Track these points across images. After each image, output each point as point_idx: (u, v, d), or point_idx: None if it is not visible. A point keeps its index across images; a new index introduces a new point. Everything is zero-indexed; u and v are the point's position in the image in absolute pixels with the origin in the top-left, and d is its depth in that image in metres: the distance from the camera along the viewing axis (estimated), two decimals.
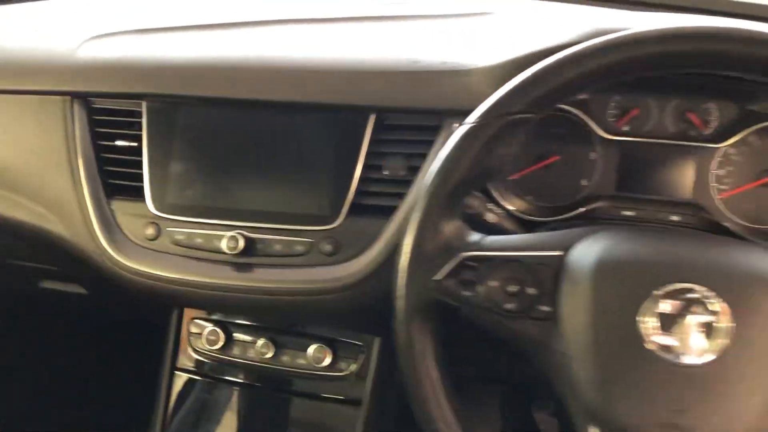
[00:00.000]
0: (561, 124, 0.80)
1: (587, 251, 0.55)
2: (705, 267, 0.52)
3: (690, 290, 0.51)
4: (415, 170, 0.79)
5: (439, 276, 0.56)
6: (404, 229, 0.76)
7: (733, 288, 0.50)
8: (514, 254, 0.56)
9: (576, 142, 0.80)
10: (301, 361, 0.88)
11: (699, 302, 0.51)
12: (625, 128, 0.81)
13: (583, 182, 0.81)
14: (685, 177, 0.78)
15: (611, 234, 0.57)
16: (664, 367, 0.50)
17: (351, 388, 0.87)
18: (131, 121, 0.87)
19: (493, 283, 0.56)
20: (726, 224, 0.75)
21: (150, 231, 0.85)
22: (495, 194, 0.79)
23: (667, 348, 0.50)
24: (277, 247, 0.81)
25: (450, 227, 0.57)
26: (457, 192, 0.58)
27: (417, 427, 1.04)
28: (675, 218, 0.79)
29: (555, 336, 0.54)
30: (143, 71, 0.88)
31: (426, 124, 0.79)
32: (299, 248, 0.81)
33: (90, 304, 1.18)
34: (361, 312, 0.83)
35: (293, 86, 0.81)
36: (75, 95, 0.89)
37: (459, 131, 0.58)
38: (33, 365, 1.41)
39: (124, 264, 0.85)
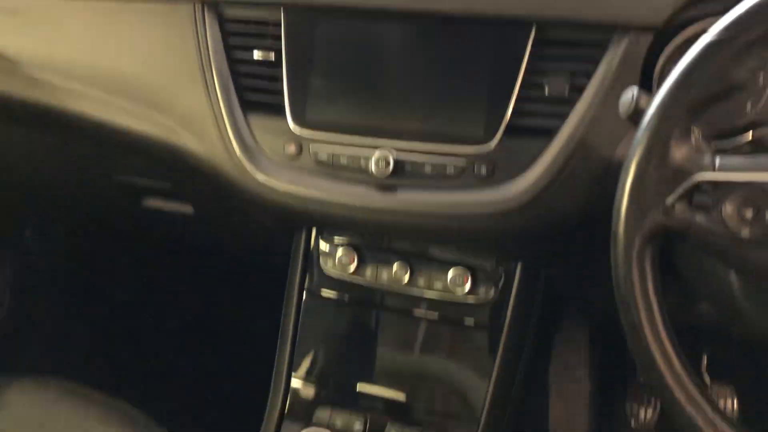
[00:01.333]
0: None
1: None
2: None
3: None
4: (579, 90, 0.75)
5: (670, 199, 0.53)
6: (568, 152, 0.74)
7: None
8: (754, 177, 0.52)
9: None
10: (439, 286, 0.86)
11: None
12: None
13: (748, 107, 0.76)
14: None
15: None
16: None
17: (491, 315, 0.85)
18: (267, 32, 0.83)
19: (729, 207, 0.52)
20: None
21: (291, 149, 0.82)
22: None
23: None
24: (428, 169, 0.78)
25: (683, 148, 0.54)
26: (695, 109, 0.54)
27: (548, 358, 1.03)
28: None
29: None
30: None
31: (592, 39, 0.74)
32: (451, 170, 0.77)
33: (195, 225, 1.16)
34: (513, 237, 0.80)
35: None
36: (205, 2, 0.85)
37: (704, 41, 0.53)
38: (139, 289, 1.42)
39: (265, 183, 0.82)
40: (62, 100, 0.92)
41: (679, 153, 0.53)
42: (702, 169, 0.53)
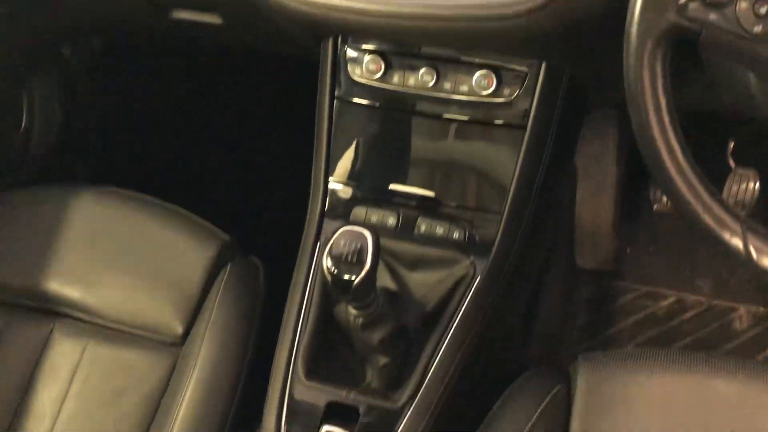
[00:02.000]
0: None
1: None
2: None
3: None
4: None
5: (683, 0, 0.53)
6: None
7: None
8: None
9: None
10: (464, 88, 0.89)
11: None
12: None
13: None
14: None
15: None
16: None
17: (515, 114, 0.89)
18: None
19: (744, 4, 0.52)
20: None
21: None
22: None
23: None
24: None
25: None
26: None
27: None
28: None
29: None
30: None
31: None
32: None
33: (224, 35, 1.17)
34: (536, 37, 0.80)
35: None
36: None
37: None
38: (178, 111, 1.48)
39: None
40: None
41: None
42: None
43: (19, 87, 1.39)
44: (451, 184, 0.93)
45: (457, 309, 0.88)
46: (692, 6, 0.54)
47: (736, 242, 0.57)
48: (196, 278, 0.96)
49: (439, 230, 0.93)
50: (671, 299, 1.43)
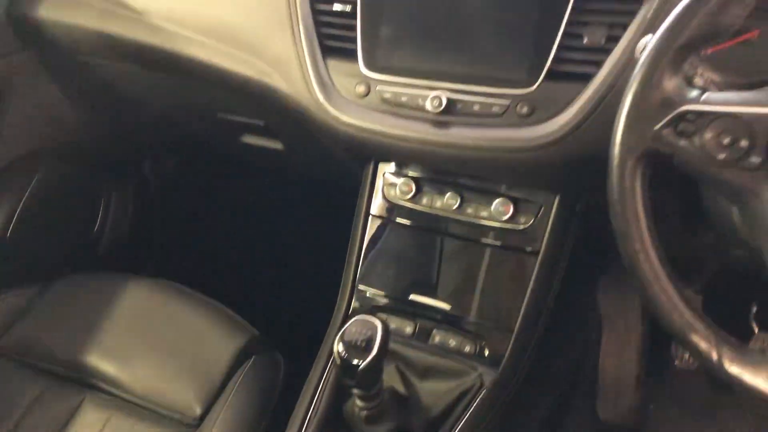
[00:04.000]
0: None
1: None
2: None
3: None
4: (615, 40, 0.84)
5: (658, 126, 0.63)
6: (601, 95, 0.83)
7: None
8: (732, 109, 0.61)
9: None
10: (484, 214, 0.98)
11: None
12: None
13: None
14: None
15: None
16: None
17: (529, 240, 0.97)
18: None
19: (709, 135, 0.61)
20: None
21: (361, 89, 0.95)
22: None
23: None
24: (476, 108, 0.89)
25: (673, 81, 0.63)
26: (684, 48, 0.63)
27: (581, 276, 1.13)
28: None
29: (764, 185, 0.60)
30: None
31: None
32: (496, 109, 0.89)
33: (285, 159, 1.33)
34: (550, 170, 0.90)
35: None
36: None
37: None
38: (235, 219, 1.63)
39: (338, 117, 0.96)
40: (177, 44, 1.10)
41: (668, 86, 0.63)
42: (688, 101, 0.63)
43: (99, 195, 1.58)
44: (468, 300, 1.00)
45: (460, 418, 0.91)
46: (665, 132, 0.63)
47: (708, 349, 0.62)
48: (220, 366, 1.03)
49: (452, 342, 0.98)
50: None
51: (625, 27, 0.83)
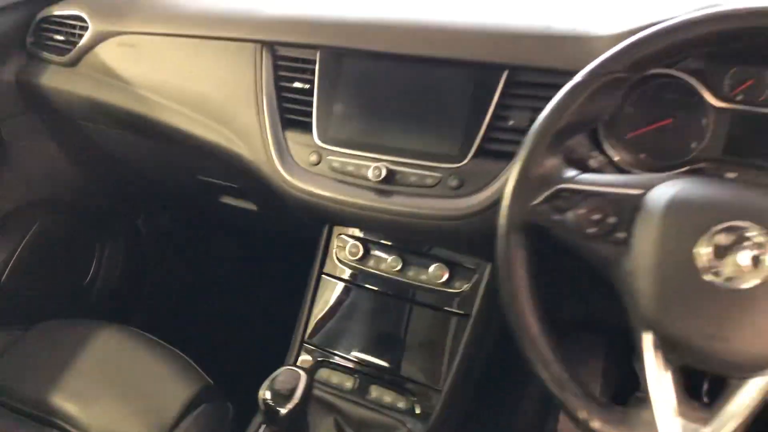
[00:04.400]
0: (677, 90, 0.89)
1: (664, 191, 0.66)
2: (759, 209, 0.62)
3: (744, 228, 0.61)
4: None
5: (536, 201, 0.70)
6: None
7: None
8: (602, 189, 0.69)
9: (689, 107, 0.88)
10: (423, 277, 1.06)
11: (749, 238, 0.61)
12: (739, 97, 0.88)
13: (693, 144, 0.89)
14: None
15: (689, 180, 0.67)
16: (712, 289, 0.61)
17: (462, 304, 1.03)
18: (306, 68, 1.07)
19: (581, 211, 0.69)
20: None
21: (313, 158, 1.05)
22: (607, 146, 0.90)
23: (716, 273, 0.61)
24: (413, 179, 0.98)
25: (551, 162, 0.71)
26: (560, 134, 0.71)
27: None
28: None
29: (626, 257, 0.66)
30: (321, 26, 1.07)
31: (553, 83, 0.91)
32: (430, 181, 0.97)
33: (258, 219, 1.42)
34: (478, 238, 0.98)
35: (439, 43, 0.96)
36: (264, 43, 1.10)
37: (568, 85, 0.71)
38: (213, 273, 1.73)
39: (292, 183, 1.05)
40: (160, 113, 1.21)
41: (546, 166, 0.71)
42: (564, 180, 0.70)
43: (94, 246, 1.68)
44: (405, 358, 1.06)
45: None
46: (542, 208, 0.70)
47: (576, 407, 0.67)
48: (171, 411, 1.09)
49: (387, 398, 1.04)
50: None
51: None
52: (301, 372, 0.87)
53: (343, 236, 1.13)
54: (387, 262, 1.08)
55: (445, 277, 1.03)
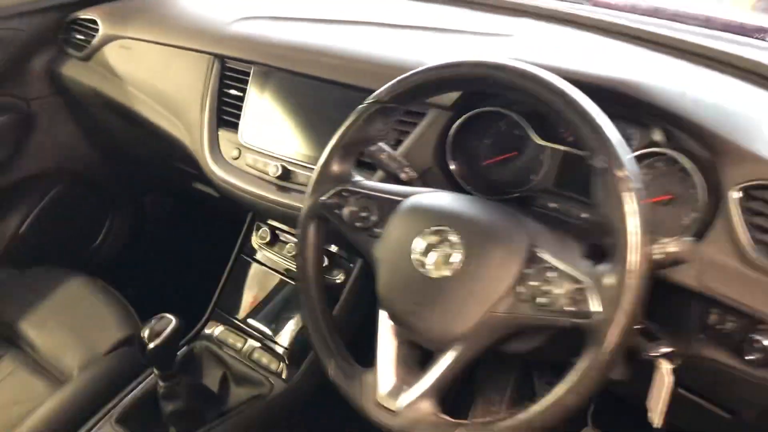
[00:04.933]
0: (520, 127, 1.04)
1: (412, 199, 0.83)
2: (459, 217, 0.77)
3: (447, 231, 0.77)
4: (399, 143, 1.09)
5: (324, 197, 0.88)
6: None
7: (471, 233, 0.76)
8: (372, 193, 0.86)
9: (531, 144, 1.03)
10: None
11: (450, 239, 0.77)
12: (570, 138, 1.02)
13: (532, 176, 1.04)
14: None
15: (432, 192, 0.84)
16: (419, 277, 0.77)
17: (335, 289, 1.21)
18: (242, 78, 1.28)
19: (353, 208, 0.86)
20: None
21: (235, 153, 1.26)
22: (456, 170, 1.05)
23: (422, 264, 0.77)
24: (302, 178, 1.17)
25: (341, 168, 0.89)
26: (347, 147, 0.89)
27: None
28: (584, 215, 0.99)
29: (377, 247, 0.83)
30: (257, 45, 1.28)
31: (414, 111, 1.08)
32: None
33: (221, 204, 1.65)
34: None
35: (327, 67, 1.15)
36: (216, 56, 1.33)
37: (355, 110, 0.89)
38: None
39: (216, 173, 1.27)
40: (140, 106, 1.47)
41: (336, 170, 0.89)
42: (348, 183, 0.88)
43: (104, 217, 1.97)
44: (285, 330, 1.26)
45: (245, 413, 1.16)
46: (328, 202, 0.87)
47: (326, 360, 0.84)
48: (102, 348, 1.31)
49: (264, 360, 1.24)
50: None
51: (408, 133, 1.09)
52: (172, 317, 1.08)
53: (259, 223, 1.34)
54: (286, 248, 1.28)
55: (326, 262, 1.22)
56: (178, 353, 1.26)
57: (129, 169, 1.91)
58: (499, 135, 1.05)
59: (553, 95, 0.73)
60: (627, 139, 0.96)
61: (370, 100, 0.88)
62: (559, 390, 0.68)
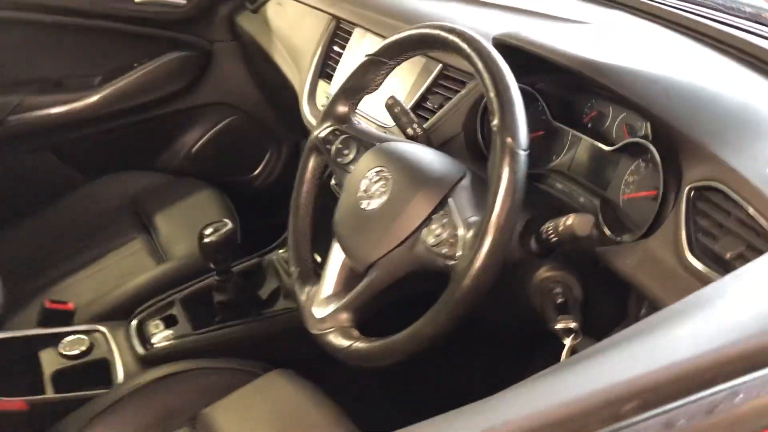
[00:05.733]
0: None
1: (380, 145, 0.94)
2: (399, 161, 0.87)
3: (384, 169, 0.87)
4: (442, 106, 1.18)
5: (320, 132, 1.03)
6: None
7: (402, 177, 0.85)
8: (355, 135, 0.98)
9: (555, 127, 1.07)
10: None
11: (385, 179, 0.87)
12: (590, 125, 1.04)
13: (554, 156, 1.08)
14: (606, 172, 0.99)
15: (401, 142, 0.94)
16: (358, 209, 0.89)
17: None
18: (345, 37, 1.45)
19: (339, 146, 0.99)
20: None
21: (324, 101, 1.44)
22: (483, 140, 1.12)
23: (361, 198, 0.89)
24: None
25: (341, 110, 1.02)
26: (347, 92, 1.02)
27: None
28: (582, 200, 1.01)
29: (345, 182, 0.96)
30: (360, 11, 1.44)
31: (459, 79, 1.17)
32: None
33: None
34: None
35: None
36: (333, 16, 1.51)
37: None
38: None
39: (307, 117, 1.45)
40: (276, 54, 1.72)
41: (337, 111, 1.02)
42: (340, 122, 1.00)
43: (266, 150, 2.28)
44: None
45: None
46: (324, 138, 1.00)
47: (299, 287, 0.99)
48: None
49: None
50: None
51: None
52: (230, 223, 1.30)
53: None
54: None
55: None
56: (250, 260, 1.48)
57: (284, 114, 2.19)
58: (527, 114, 1.10)
59: (479, 57, 0.80)
60: (632, 128, 0.97)
61: (368, 55, 1.00)
62: (419, 322, 0.76)
